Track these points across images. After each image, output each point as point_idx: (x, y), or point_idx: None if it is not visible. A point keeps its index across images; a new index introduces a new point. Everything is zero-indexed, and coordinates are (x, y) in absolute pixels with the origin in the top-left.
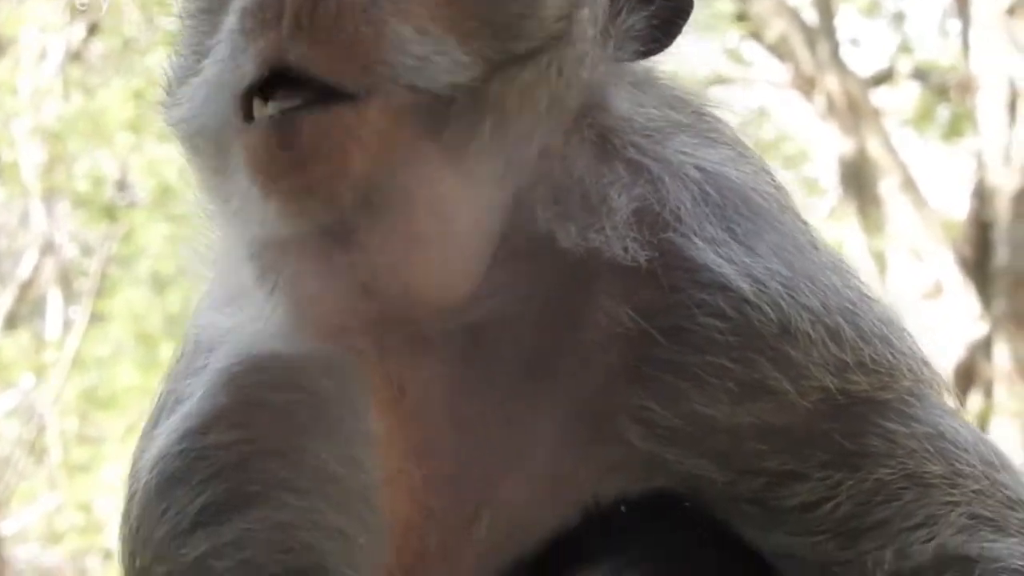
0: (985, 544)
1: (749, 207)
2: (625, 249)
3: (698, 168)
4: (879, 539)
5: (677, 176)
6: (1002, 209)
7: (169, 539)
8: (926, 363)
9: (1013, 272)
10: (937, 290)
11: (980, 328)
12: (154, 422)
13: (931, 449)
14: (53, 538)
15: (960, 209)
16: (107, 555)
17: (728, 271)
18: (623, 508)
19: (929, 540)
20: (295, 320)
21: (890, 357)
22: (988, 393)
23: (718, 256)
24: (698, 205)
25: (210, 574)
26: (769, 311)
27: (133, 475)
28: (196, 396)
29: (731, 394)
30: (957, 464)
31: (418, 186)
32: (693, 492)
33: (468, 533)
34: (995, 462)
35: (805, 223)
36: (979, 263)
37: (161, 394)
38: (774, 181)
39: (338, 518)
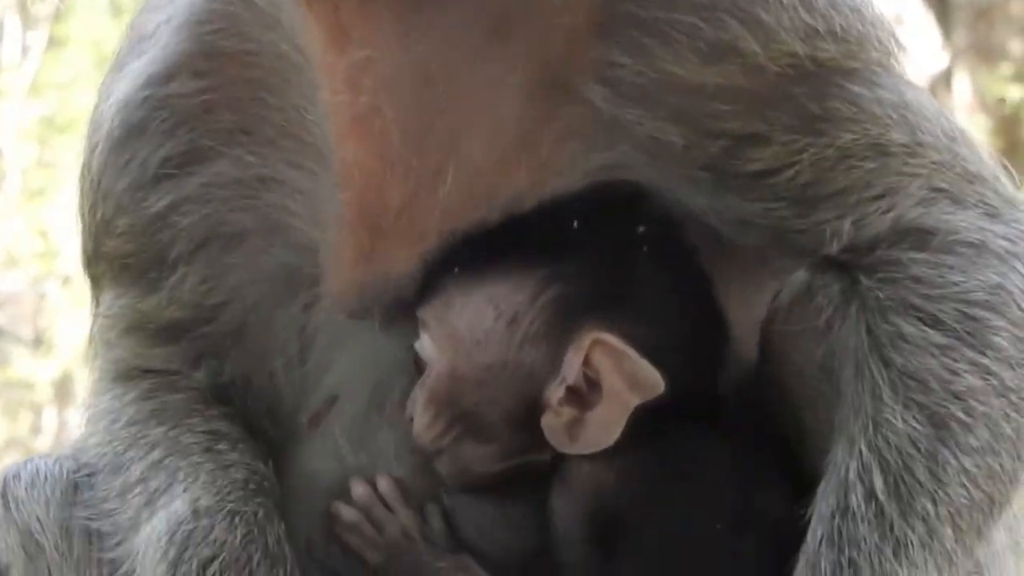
0: (943, 216)
1: None
2: None
3: None
4: (837, 209)
5: None
6: None
7: (131, 191)
8: (894, 37)
9: (973, 3)
10: (897, 22)
11: (941, 60)
12: (119, 63)
13: (895, 117)
14: (12, 264)
15: None
16: (65, 280)
17: None
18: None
19: (888, 211)
20: None
21: (860, 27)
22: None
23: None
24: None
25: (170, 228)
26: None
27: (95, 123)
28: (160, 42)
29: (699, 53)
30: (919, 134)
31: None
32: (648, 159)
33: (432, 190)
34: (956, 136)
35: None
36: None
37: (127, 34)
38: None
39: (298, 174)
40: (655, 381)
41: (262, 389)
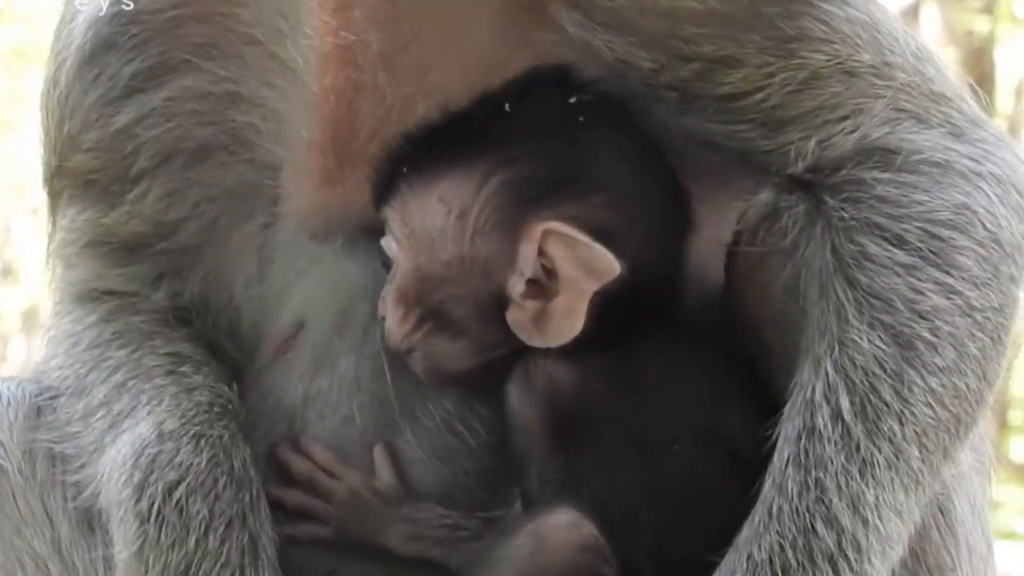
0: (907, 136)
1: None
2: None
3: None
4: (803, 130)
5: None
6: None
7: (100, 106)
8: None
9: None
10: None
11: None
12: None
13: (864, 36)
14: None
15: None
16: (34, 211)
17: None
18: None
19: (853, 131)
20: None
21: None
22: None
23: None
24: None
25: (135, 141)
26: None
27: (62, 39)
28: None
29: None
30: (888, 55)
31: None
32: (616, 81)
33: (403, 118)
34: (923, 56)
35: None
36: None
37: None
38: None
39: (267, 92)
40: (609, 264)
41: (222, 310)
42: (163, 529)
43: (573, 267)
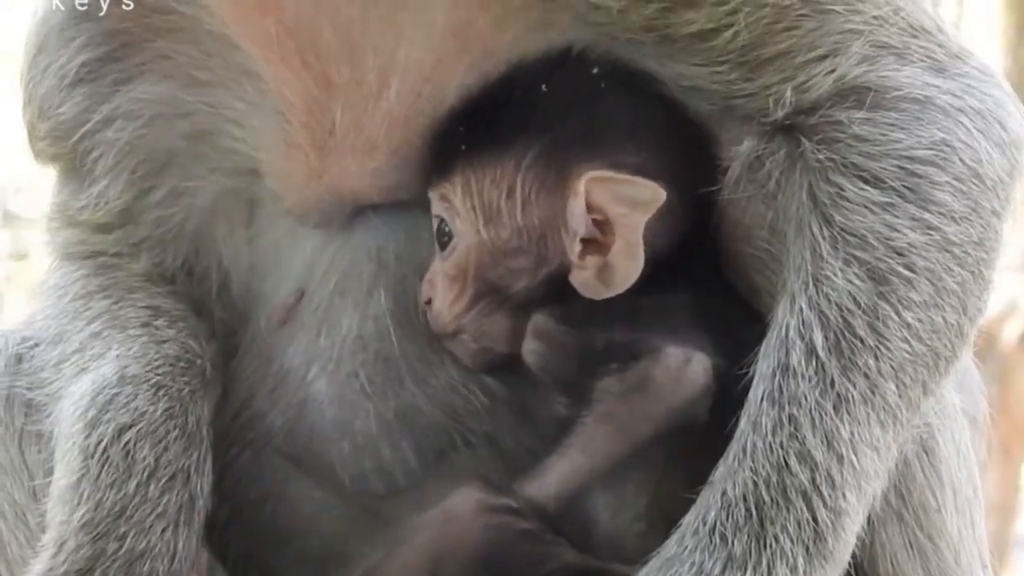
0: (886, 73)
1: None
2: None
3: None
4: (781, 72)
5: None
6: None
7: (49, 96)
8: None
9: None
10: None
11: None
12: None
13: None
14: None
15: None
16: None
17: None
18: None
19: (831, 71)
20: None
21: None
22: None
23: None
24: None
25: (91, 138)
26: None
27: (28, 34)
28: None
29: None
30: None
31: None
32: (591, 30)
33: (377, 101)
34: None
35: None
36: None
37: None
38: None
39: (230, 97)
40: (654, 191)
41: (209, 277)
42: (105, 467)
43: (621, 204)
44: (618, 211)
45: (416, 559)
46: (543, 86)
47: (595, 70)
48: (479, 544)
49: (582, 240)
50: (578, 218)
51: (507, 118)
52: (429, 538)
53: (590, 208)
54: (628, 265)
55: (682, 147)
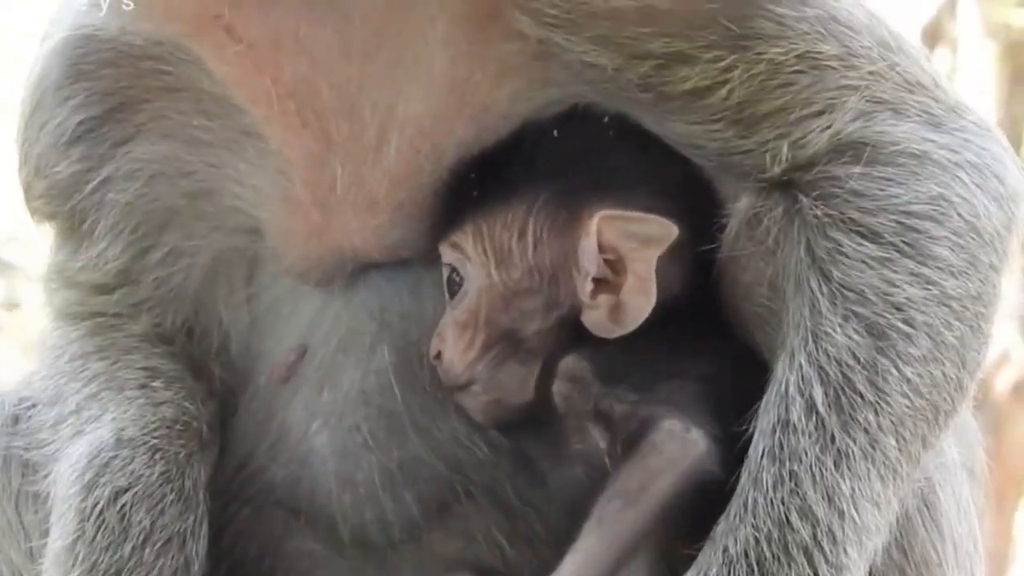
0: (883, 128)
1: None
2: None
3: None
4: (777, 128)
5: None
6: None
7: (47, 155)
8: None
9: None
10: None
11: None
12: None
13: (823, 31)
14: None
15: None
16: None
17: None
18: (555, 133)
19: (827, 128)
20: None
21: None
22: (953, 50)
23: None
24: None
25: (90, 197)
26: None
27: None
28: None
29: None
30: (851, 45)
31: None
32: (587, 86)
33: (377, 159)
34: (891, 43)
35: None
36: None
37: None
38: None
39: (232, 158)
40: (666, 227)
41: (209, 337)
42: (101, 530)
43: (633, 240)
44: (630, 247)
45: None
46: (554, 134)
47: (605, 119)
48: None
49: (594, 280)
50: (590, 257)
51: (518, 167)
52: None
53: (602, 247)
54: (640, 302)
55: (689, 197)
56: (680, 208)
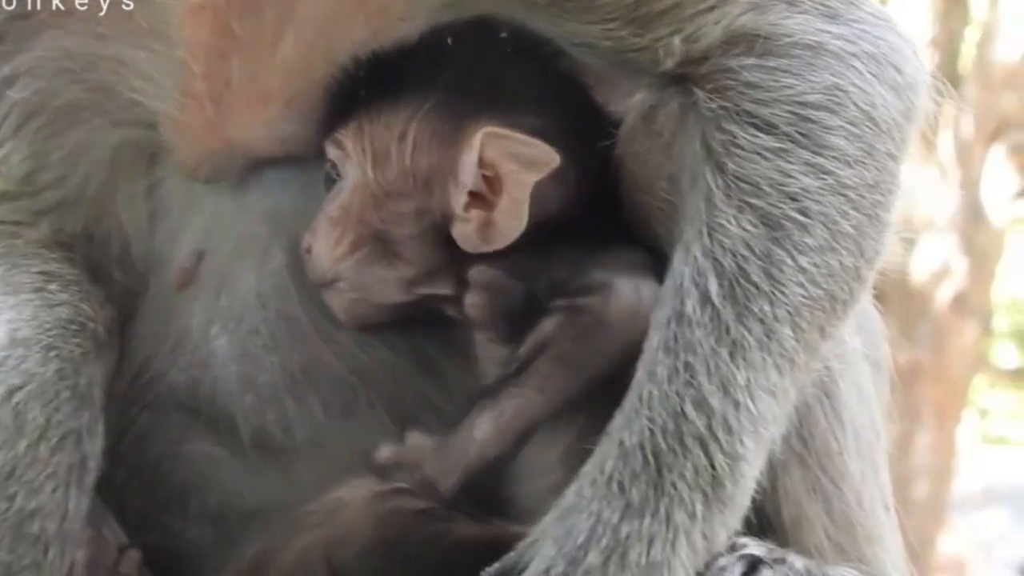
0: (776, 20)
1: None
2: None
3: None
4: (671, 24)
5: None
6: None
7: None
8: None
9: None
10: None
11: None
12: None
13: None
14: None
15: None
16: None
17: None
18: (448, 41)
19: (719, 21)
20: None
21: None
22: None
23: None
24: None
25: (5, 104)
26: None
27: None
28: None
29: None
30: None
31: None
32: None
33: (273, 52)
34: None
35: None
36: None
37: None
38: None
39: (133, 52)
40: (548, 154)
41: (109, 241)
42: None
43: (514, 163)
44: (509, 168)
45: (311, 546)
46: (448, 42)
47: (503, 34)
48: (373, 529)
49: (469, 193)
50: (469, 170)
51: (412, 72)
52: (322, 525)
53: (482, 163)
54: (511, 223)
55: (581, 115)
56: (571, 129)
